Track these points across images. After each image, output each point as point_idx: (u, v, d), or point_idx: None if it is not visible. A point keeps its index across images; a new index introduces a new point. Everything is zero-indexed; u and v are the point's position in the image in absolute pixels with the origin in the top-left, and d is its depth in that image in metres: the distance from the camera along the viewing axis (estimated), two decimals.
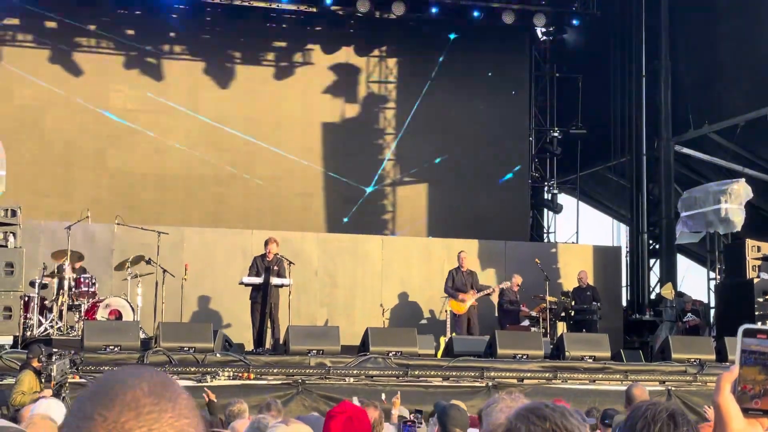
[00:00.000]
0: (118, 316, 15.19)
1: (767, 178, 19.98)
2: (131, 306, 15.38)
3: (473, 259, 19.99)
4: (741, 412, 1.74)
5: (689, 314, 19.62)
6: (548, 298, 18.03)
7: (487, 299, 19.59)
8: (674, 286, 20.95)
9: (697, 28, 21.23)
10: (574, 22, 22.90)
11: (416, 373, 14.15)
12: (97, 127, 20.79)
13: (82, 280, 15.35)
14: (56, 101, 20.62)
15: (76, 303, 15.27)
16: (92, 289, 15.41)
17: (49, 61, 20.75)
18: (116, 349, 13.51)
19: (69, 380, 11.83)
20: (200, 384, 12.64)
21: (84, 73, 20.88)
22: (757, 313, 17.58)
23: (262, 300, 15.71)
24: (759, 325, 1.79)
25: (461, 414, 5.94)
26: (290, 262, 16.01)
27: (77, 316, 15.32)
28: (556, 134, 23.17)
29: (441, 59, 22.46)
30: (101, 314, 15.11)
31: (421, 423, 8.73)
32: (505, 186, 22.68)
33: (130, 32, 21.28)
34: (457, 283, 17.50)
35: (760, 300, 17.54)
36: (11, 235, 14.80)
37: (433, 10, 21.64)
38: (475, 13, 21.86)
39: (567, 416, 2.32)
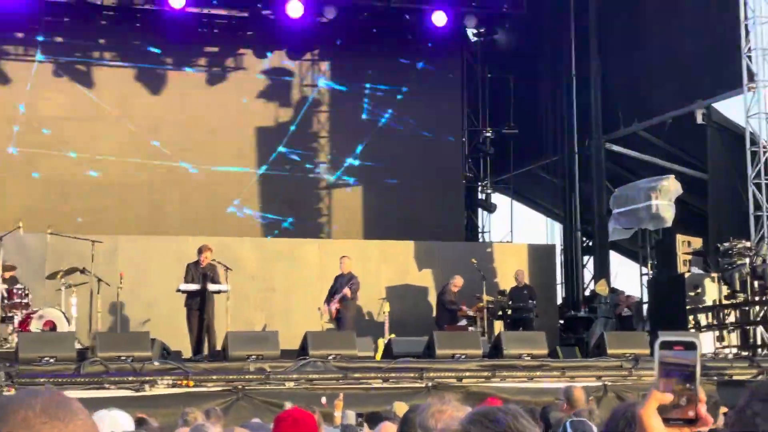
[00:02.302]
0: (53, 327, 14.98)
1: (696, 174, 20.33)
2: (66, 316, 15.18)
3: (409, 260, 20.09)
4: (662, 422, 1.81)
5: (626, 309, 20.00)
6: (485, 297, 18.17)
7: (425, 299, 19.72)
8: (608, 282, 21.25)
9: (625, 28, 21.55)
10: (506, 25, 23.05)
11: (356, 375, 14.17)
12: (27, 135, 20.49)
13: (14, 291, 15.12)
14: None
15: (9, 315, 15.03)
16: (25, 300, 15.18)
17: None
18: (52, 360, 13.32)
19: (4, 393, 11.66)
20: (138, 393, 12.53)
21: (12, 81, 20.58)
22: (688, 306, 17.92)
23: (199, 307, 15.62)
24: (674, 338, 1.84)
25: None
26: (227, 268, 15.94)
27: (11, 328, 15.08)
28: (488, 134, 23.35)
29: (373, 61, 22.51)
30: (35, 325, 14.89)
31: (362, 426, 8.76)
32: (439, 186, 22.76)
33: (59, 39, 21.01)
34: (334, 288, 17.37)
35: (692, 294, 17.88)
36: None
37: (365, 13, 21.68)
38: (406, 16, 21.94)
39: (518, 418, 2.38)
